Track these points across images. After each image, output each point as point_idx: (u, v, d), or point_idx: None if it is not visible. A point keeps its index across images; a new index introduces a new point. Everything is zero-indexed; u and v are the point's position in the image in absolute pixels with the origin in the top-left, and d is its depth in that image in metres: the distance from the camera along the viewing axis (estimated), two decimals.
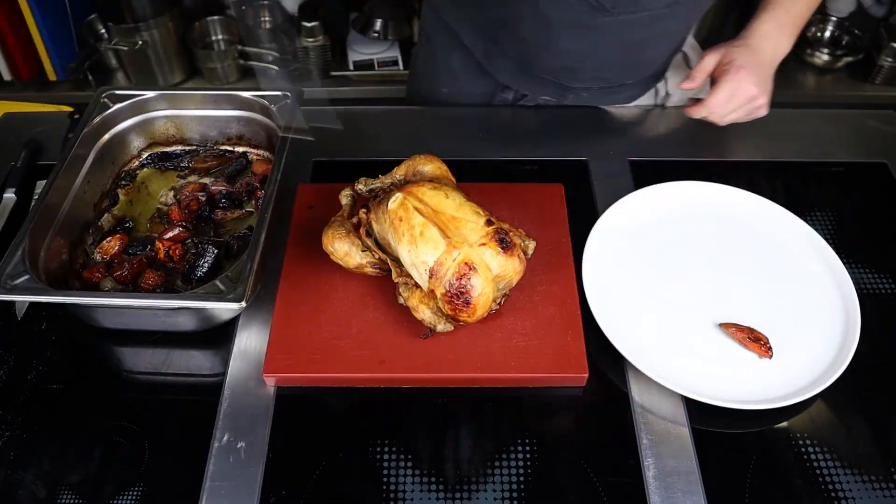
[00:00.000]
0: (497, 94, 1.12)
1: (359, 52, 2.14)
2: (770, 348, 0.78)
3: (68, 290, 0.81)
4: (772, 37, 0.98)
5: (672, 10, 0.92)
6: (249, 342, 0.82)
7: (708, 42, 1.06)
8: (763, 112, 0.99)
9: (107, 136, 0.95)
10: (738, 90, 0.95)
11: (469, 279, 0.73)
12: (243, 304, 0.72)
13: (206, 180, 0.97)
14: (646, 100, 1.16)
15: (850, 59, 2.09)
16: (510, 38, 1.03)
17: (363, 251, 0.81)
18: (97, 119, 0.93)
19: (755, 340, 0.79)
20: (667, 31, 1.00)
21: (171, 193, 0.95)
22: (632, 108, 1.15)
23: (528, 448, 0.74)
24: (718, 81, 0.97)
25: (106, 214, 0.92)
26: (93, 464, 0.73)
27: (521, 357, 0.77)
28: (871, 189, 1.02)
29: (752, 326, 0.80)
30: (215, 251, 0.84)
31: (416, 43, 2.12)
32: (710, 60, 0.99)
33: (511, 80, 1.09)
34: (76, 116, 1.10)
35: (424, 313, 0.77)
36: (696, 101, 1.01)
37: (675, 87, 1.14)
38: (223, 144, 1.02)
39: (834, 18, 2.17)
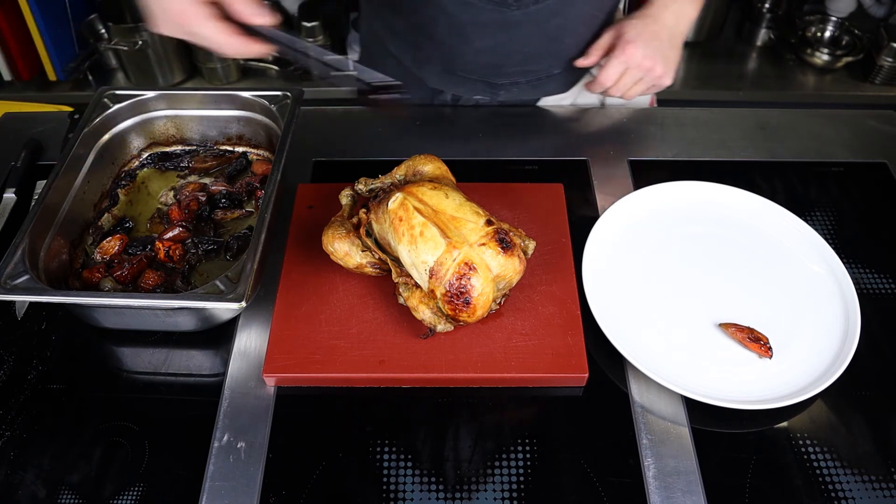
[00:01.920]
0: (435, 97, 1.13)
1: (359, 51, 2.13)
2: (770, 348, 0.78)
3: (68, 290, 0.81)
4: (671, 4, 0.98)
5: None
6: (249, 342, 0.82)
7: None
8: (667, 82, 0.99)
9: (107, 136, 0.95)
10: (629, 64, 0.95)
11: (469, 279, 0.73)
12: (243, 304, 0.72)
13: (206, 180, 0.97)
14: (587, 93, 1.14)
15: (850, 59, 2.08)
16: (429, 42, 1.04)
17: (363, 251, 0.81)
18: (97, 119, 0.93)
19: (755, 340, 0.79)
20: (582, 15, 0.99)
21: (171, 193, 0.95)
22: (632, 108, 1.15)
23: (528, 448, 0.74)
24: (609, 56, 0.97)
25: (106, 214, 0.92)
26: (93, 464, 0.73)
27: (521, 357, 0.77)
28: (871, 189, 1.02)
29: (751, 326, 0.80)
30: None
31: None
32: (606, 36, 0.99)
33: (440, 83, 1.09)
34: (76, 116, 1.10)
35: (424, 313, 0.77)
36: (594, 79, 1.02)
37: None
38: (223, 144, 1.02)
39: (834, 18, 2.17)
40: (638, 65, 0.95)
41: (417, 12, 0.99)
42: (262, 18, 0.74)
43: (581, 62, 1.00)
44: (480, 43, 0.98)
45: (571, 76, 1.11)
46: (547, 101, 1.14)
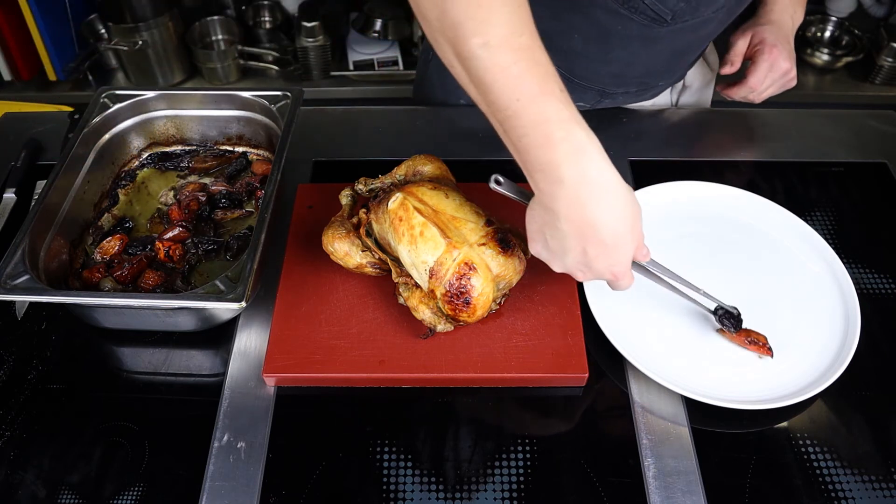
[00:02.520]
0: None
1: (359, 52, 2.14)
2: (769, 347, 0.78)
3: (68, 290, 0.81)
4: (788, 9, 1.04)
5: (718, 14, 0.94)
6: (249, 342, 0.82)
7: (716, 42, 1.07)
8: (794, 83, 1.04)
9: (107, 136, 0.95)
10: (774, 67, 1.01)
11: (469, 279, 0.73)
12: (243, 304, 0.72)
13: (206, 180, 0.97)
14: (664, 95, 1.16)
15: (850, 59, 2.09)
16: (555, 50, 1.02)
17: (363, 251, 0.81)
18: (97, 119, 0.93)
19: (753, 343, 0.79)
20: (710, 34, 1.03)
21: (171, 193, 0.95)
22: (632, 108, 1.15)
23: (528, 448, 0.74)
24: (755, 61, 1.02)
25: (106, 214, 0.92)
26: (93, 464, 0.73)
27: (521, 357, 0.77)
28: (871, 189, 1.01)
29: (749, 328, 0.80)
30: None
31: (416, 44, 2.13)
32: (742, 42, 1.04)
33: None
34: (76, 116, 1.10)
35: (424, 313, 0.77)
36: (731, 84, 1.06)
37: (692, 79, 1.16)
38: (223, 144, 1.02)
39: (834, 18, 2.17)
40: (780, 67, 1.01)
41: (557, 18, 0.96)
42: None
43: (728, 69, 1.06)
44: (616, 54, 0.98)
45: (668, 85, 1.14)
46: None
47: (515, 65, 0.61)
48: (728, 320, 0.80)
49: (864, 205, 0.99)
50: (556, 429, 0.76)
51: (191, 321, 0.82)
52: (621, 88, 1.07)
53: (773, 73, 1.02)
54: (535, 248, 0.71)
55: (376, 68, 2.10)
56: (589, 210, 0.63)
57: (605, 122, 1.12)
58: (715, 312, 0.81)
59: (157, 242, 0.86)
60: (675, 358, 0.79)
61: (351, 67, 2.12)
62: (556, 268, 0.71)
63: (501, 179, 0.73)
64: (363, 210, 0.83)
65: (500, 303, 0.81)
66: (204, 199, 0.93)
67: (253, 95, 0.96)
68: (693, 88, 1.16)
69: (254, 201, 0.94)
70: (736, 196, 0.95)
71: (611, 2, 0.89)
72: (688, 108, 1.18)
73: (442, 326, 0.77)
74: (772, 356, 0.78)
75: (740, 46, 1.05)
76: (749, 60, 1.04)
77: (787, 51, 1.01)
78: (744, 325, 0.81)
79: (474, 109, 1.13)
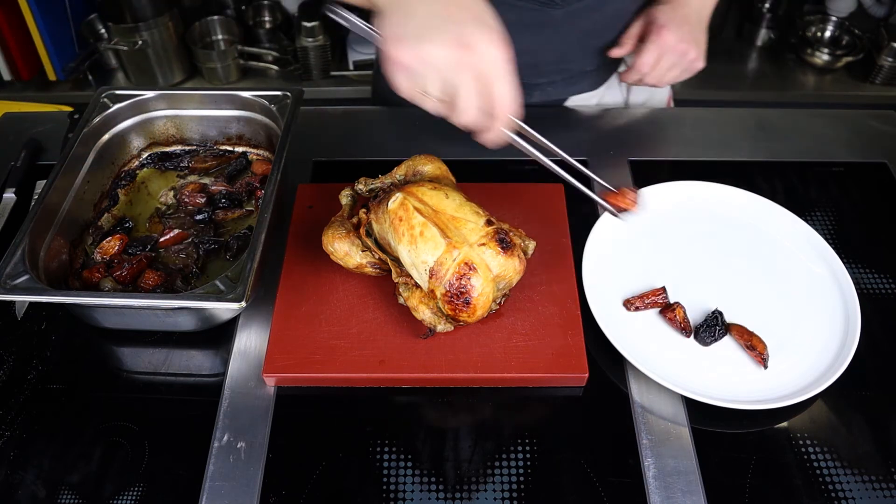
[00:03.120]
0: None
1: (359, 51, 2.14)
2: (765, 359, 0.78)
3: (68, 290, 0.81)
4: None
5: None
6: (249, 342, 0.82)
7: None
8: (700, 65, 0.98)
9: (107, 136, 0.95)
10: (664, 48, 0.96)
11: (469, 279, 0.73)
12: (243, 304, 0.72)
13: (206, 180, 0.97)
14: (615, 91, 1.15)
15: (850, 59, 2.09)
16: None
17: (363, 251, 0.81)
18: (97, 119, 0.93)
19: (751, 348, 0.79)
20: (619, 12, 1.00)
21: (171, 193, 0.95)
22: (632, 108, 1.15)
23: (528, 448, 0.74)
24: (643, 43, 0.97)
25: (106, 214, 0.92)
26: (93, 464, 0.73)
27: (521, 357, 0.77)
28: (871, 189, 1.02)
29: (751, 329, 0.80)
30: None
31: None
32: (637, 24, 0.99)
33: None
34: (76, 116, 1.10)
35: (424, 313, 0.77)
36: (627, 69, 1.02)
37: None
38: (223, 144, 1.02)
39: (834, 18, 2.17)
40: (672, 49, 0.95)
41: None
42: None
43: (615, 52, 1.00)
44: (520, 43, 0.98)
45: (604, 72, 1.12)
46: (573, 102, 1.13)
47: None
48: (708, 334, 0.79)
49: (864, 205, 0.99)
50: (556, 429, 0.76)
51: (191, 321, 0.82)
52: (543, 79, 1.06)
53: (669, 56, 0.96)
54: (400, 79, 0.61)
55: None
56: None
57: (606, 121, 1.12)
58: (696, 332, 0.81)
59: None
60: (675, 358, 0.79)
61: (351, 67, 2.12)
62: (432, 88, 0.61)
63: (337, 8, 0.62)
64: (363, 210, 0.83)
65: (500, 303, 0.81)
66: (204, 199, 0.93)
67: (253, 95, 0.96)
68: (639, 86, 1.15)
69: (254, 201, 0.94)
70: (736, 196, 0.95)
71: None
72: (643, 107, 1.16)
73: (442, 326, 0.77)
74: (765, 368, 0.78)
75: (633, 28, 1.00)
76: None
77: (682, 31, 0.95)
78: (745, 326, 0.81)
79: None
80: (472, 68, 0.60)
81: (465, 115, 0.62)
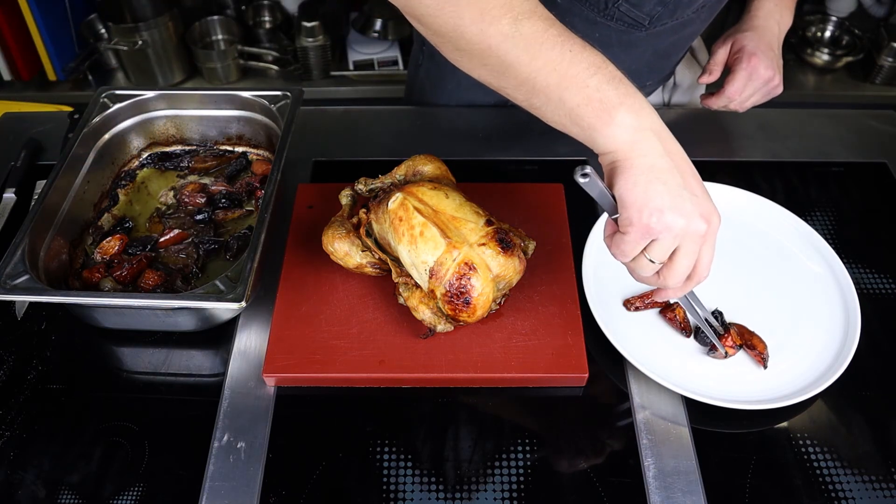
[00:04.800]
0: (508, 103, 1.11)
1: (359, 51, 2.14)
2: (765, 358, 0.78)
3: (68, 290, 0.81)
4: (774, 14, 1.01)
5: (699, 14, 0.93)
6: (249, 342, 0.82)
7: (707, 44, 1.07)
8: (779, 90, 1.02)
9: (107, 136, 0.95)
10: (753, 76, 0.99)
11: (469, 279, 0.73)
12: (243, 304, 0.72)
13: (206, 180, 0.97)
14: (656, 95, 1.17)
15: (850, 59, 2.09)
16: None
17: (363, 251, 0.81)
18: (97, 119, 0.93)
19: (751, 348, 0.79)
20: (692, 34, 1.02)
21: (171, 193, 0.95)
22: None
23: (528, 448, 0.74)
24: (733, 70, 1.00)
25: (106, 214, 0.92)
26: (93, 464, 0.73)
27: (521, 357, 0.77)
28: (871, 189, 1.02)
29: (752, 329, 0.80)
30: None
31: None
32: (723, 51, 1.02)
33: None
34: (76, 116, 1.10)
35: (424, 313, 0.77)
36: (711, 93, 1.04)
37: (682, 77, 1.16)
38: (223, 144, 1.02)
39: (834, 18, 2.17)
40: (760, 76, 0.99)
41: None
42: None
43: (706, 79, 1.04)
44: None
45: (656, 86, 1.15)
46: None
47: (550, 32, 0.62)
48: (705, 337, 0.79)
49: (864, 205, 0.99)
50: (556, 429, 0.76)
51: (191, 321, 0.82)
52: None
53: (755, 82, 1.00)
54: (632, 242, 0.64)
55: (376, 68, 2.10)
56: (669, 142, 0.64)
57: None
58: (696, 332, 0.81)
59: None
60: (675, 358, 0.79)
61: (351, 67, 2.12)
62: (659, 254, 0.64)
63: (589, 171, 0.62)
64: (363, 210, 0.83)
65: (500, 303, 0.81)
66: (204, 199, 0.93)
67: (253, 95, 0.96)
68: (683, 87, 1.16)
69: (254, 201, 0.94)
70: (736, 196, 0.95)
71: (587, 11, 0.89)
72: (680, 107, 1.18)
73: (442, 326, 0.77)
74: (765, 368, 0.78)
75: (720, 55, 1.03)
76: (730, 68, 1.03)
77: (768, 58, 0.99)
78: (746, 326, 0.81)
79: (474, 109, 1.14)
80: (704, 239, 0.64)
81: (678, 278, 0.66)
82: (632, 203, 0.62)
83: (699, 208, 0.62)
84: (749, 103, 1.03)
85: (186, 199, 0.93)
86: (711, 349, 0.79)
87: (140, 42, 1.95)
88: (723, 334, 0.79)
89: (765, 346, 0.78)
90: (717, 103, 1.03)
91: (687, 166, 0.64)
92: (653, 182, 0.61)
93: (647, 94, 1.13)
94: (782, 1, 1.02)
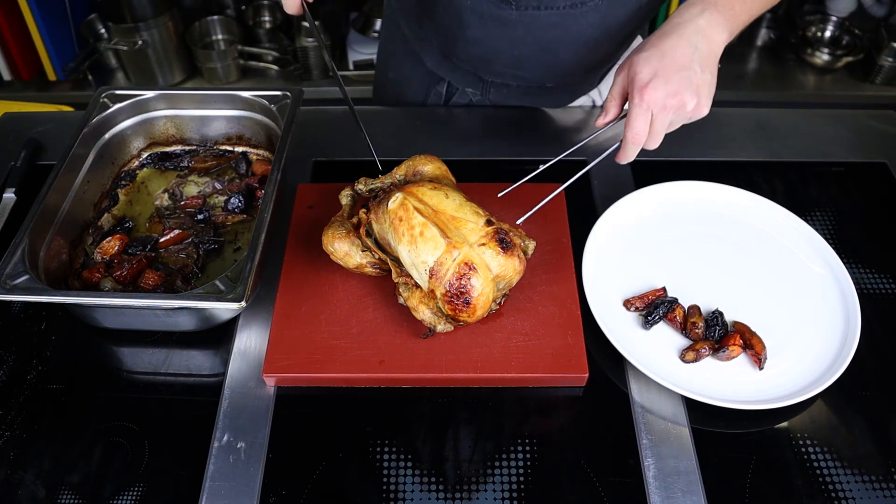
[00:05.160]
0: (433, 86, 1.13)
1: (359, 51, 2.14)
2: (762, 359, 0.78)
3: (68, 290, 0.81)
4: (690, 23, 0.77)
5: (580, 11, 0.89)
6: (249, 342, 0.82)
7: None
8: (703, 112, 0.78)
9: (107, 136, 0.95)
10: (653, 110, 0.76)
11: (469, 279, 0.73)
12: (243, 304, 0.72)
13: (206, 180, 0.97)
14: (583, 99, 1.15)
15: (850, 59, 2.09)
16: (430, 23, 1.05)
17: (363, 251, 0.81)
18: (97, 119, 0.93)
19: (749, 348, 0.78)
20: (581, 36, 0.94)
21: (166, 196, 0.95)
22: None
23: (528, 448, 0.74)
24: (629, 111, 0.78)
25: (106, 214, 0.92)
26: (93, 464, 0.73)
27: (521, 357, 0.77)
28: (871, 189, 1.02)
29: (754, 330, 0.80)
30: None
31: None
32: (619, 81, 0.80)
33: (436, 66, 1.10)
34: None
35: (424, 313, 0.77)
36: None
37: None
38: (223, 144, 1.02)
39: (834, 18, 2.17)
40: (663, 107, 0.76)
41: None
42: None
43: (601, 121, 0.84)
44: (473, 32, 0.98)
45: (568, 96, 1.11)
46: (577, 101, 1.14)
47: None
48: (708, 334, 0.79)
49: (864, 205, 0.99)
50: (556, 429, 0.76)
51: (191, 321, 0.82)
52: (496, 77, 1.07)
53: (661, 115, 0.76)
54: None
55: None
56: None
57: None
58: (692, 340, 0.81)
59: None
60: (675, 358, 0.79)
61: (351, 67, 2.12)
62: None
63: None
64: (363, 210, 0.83)
65: (500, 303, 0.81)
66: (202, 200, 0.93)
67: (253, 95, 0.96)
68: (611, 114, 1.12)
69: (254, 201, 0.94)
70: (736, 196, 0.95)
71: None
72: None
73: (442, 326, 0.77)
74: (760, 369, 0.78)
75: (615, 87, 0.81)
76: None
77: (671, 83, 0.75)
78: (747, 326, 0.81)
79: (473, 109, 1.14)
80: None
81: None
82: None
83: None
84: (664, 134, 0.80)
85: (186, 200, 0.93)
86: (714, 350, 0.79)
87: (140, 42, 1.95)
88: (726, 334, 0.79)
89: (763, 348, 0.78)
90: (624, 159, 0.82)
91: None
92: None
93: (556, 100, 1.11)
94: (717, 7, 0.78)
